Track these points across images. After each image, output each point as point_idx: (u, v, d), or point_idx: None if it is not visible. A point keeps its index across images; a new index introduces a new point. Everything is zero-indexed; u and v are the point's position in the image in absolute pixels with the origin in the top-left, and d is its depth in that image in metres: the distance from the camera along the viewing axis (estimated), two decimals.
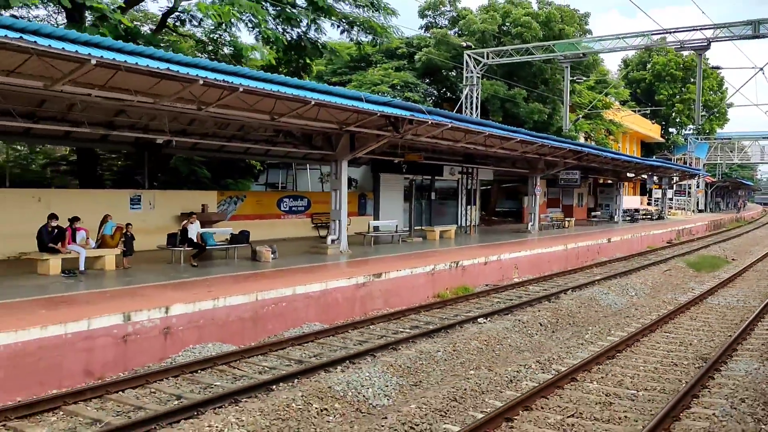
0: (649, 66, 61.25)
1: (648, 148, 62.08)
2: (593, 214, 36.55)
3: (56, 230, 11.34)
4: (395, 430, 6.64)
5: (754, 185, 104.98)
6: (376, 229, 20.78)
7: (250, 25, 15.65)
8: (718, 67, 24.53)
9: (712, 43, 21.81)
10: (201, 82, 9.49)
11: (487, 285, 16.61)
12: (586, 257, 23.15)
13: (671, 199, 55.55)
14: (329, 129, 15.30)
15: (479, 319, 12.14)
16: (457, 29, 33.63)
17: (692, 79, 62.37)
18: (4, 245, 13.20)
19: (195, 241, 13.36)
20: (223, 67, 10.45)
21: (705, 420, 7.09)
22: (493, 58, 25.61)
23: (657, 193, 55.40)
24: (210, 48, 18.43)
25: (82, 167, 17.40)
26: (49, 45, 7.96)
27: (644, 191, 59.04)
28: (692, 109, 62.31)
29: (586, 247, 23.52)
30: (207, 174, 20.12)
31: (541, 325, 12.20)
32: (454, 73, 33.63)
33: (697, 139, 57.12)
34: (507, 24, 30.10)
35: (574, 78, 32.81)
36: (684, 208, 57.86)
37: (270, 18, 16.04)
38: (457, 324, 11.62)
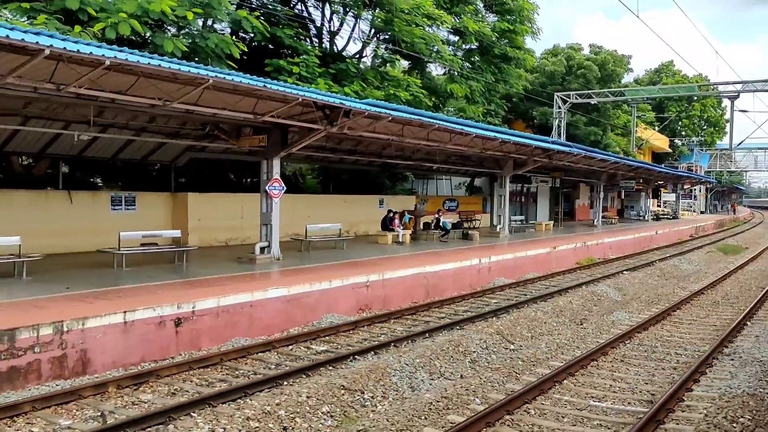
0: (658, 86, 70.31)
1: (657, 157, 71.19)
2: (632, 213, 45.47)
3: (389, 218, 19.75)
4: (648, 300, 15.20)
5: (746, 190, 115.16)
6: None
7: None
8: (745, 111, 33.02)
9: (741, 94, 30.77)
10: (503, 138, 17.95)
11: (599, 258, 25.17)
12: (645, 244, 31.82)
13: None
14: (508, 156, 23.73)
15: (624, 272, 20.70)
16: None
17: (695, 98, 71.95)
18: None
19: (441, 226, 21.84)
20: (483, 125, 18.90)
21: None
22: (576, 99, 34.35)
23: (665, 197, 64.71)
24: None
25: (324, 179, 25.74)
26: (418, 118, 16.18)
27: (655, 194, 68.38)
28: (696, 124, 71.83)
29: (643, 237, 32.24)
30: (388, 182, 28.53)
31: (658, 276, 20.80)
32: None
33: (701, 150, 66.52)
34: (571, 66, 38.83)
35: (617, 106, 41.57)
36: (690, 210, 67.11)
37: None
38: (615, 273, 20.15)
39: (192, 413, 6.88)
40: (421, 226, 22.63)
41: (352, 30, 23.87)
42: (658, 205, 67.76)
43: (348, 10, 22.34)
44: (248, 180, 22.01)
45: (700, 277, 20.84)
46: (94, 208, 15.41)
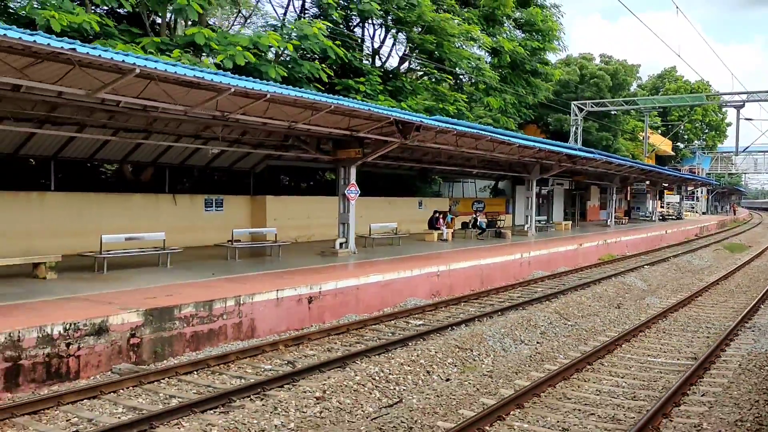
0: (661, 92, 72.77)
1: (661, 160, 73.63)
2: (639, 214, 47.93)
3: (435, 218, 22.06)
4: (672, 288, 17.50)
5: (745, 191, 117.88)
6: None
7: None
8: (750, 119, 35.54)
9: (746, 103, 33.15)
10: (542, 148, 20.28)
11: (617, 254, 27.48)
12: (656, 242, 34.16)
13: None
14: (537, 161, 26.04)
15: (644, 267, 23.01)
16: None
17: (696, 102, 74.48)
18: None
19: (478, 225, 24.16)
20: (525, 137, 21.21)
21: None
22: (592, 107, 36.77)
23: (668, 198, 67.24)
24: None
25: (365, 182, 28.05)
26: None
27: (660, 196, 70.83)
28: (698, 128, 74.38)
29: (654, 236, 34.61)
30: (420, 185, 30.88)
31: (675, 270, 23.11)
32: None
33: (704, 153, 69.07)
34: (584, 75, 41.26)
35: (626, 112, 43.92)
36: (692, 210, 69.56)
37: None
38: (637, 267, 22.45)
39: (356, 361, 9.16)
40: (460, 226, 24.94)
41: (392, 47, 26.18)
42: (662, 206, 70.40)
43: (389, 29, 24.66)
44: (304, 184, 24.31)
45: (713, 271, 23.16)
46: (192, 209, 17.68)
